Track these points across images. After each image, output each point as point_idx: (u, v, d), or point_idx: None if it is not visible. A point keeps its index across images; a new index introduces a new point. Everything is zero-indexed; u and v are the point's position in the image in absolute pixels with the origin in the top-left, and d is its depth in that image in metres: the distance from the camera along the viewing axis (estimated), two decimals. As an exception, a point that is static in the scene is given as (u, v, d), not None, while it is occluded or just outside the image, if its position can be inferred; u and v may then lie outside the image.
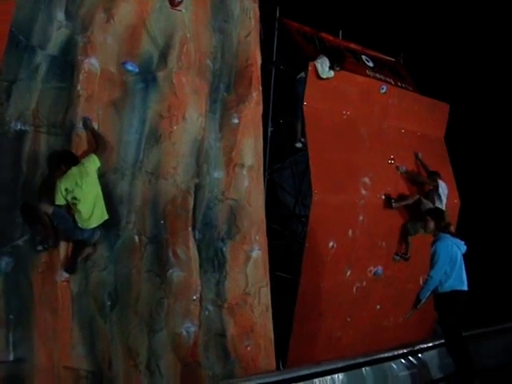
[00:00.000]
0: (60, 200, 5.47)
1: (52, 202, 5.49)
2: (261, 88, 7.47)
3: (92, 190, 5.65)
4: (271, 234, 7.75)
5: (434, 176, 9.36)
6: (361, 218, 8.66)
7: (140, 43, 6.40)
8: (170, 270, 6.46)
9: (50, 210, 5.48)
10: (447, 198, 9.27)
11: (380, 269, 9.05)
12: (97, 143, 5.84)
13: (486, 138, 12.90)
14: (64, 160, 5.57)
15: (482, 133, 12.79)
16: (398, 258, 9.17)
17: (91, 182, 5.61)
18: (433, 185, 9.28)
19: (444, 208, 8.87)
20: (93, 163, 5.68)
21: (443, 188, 9.23)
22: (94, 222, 5.71)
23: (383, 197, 8.95)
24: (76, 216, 5.61)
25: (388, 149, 9.34)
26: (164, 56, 6.59)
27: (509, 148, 12.90)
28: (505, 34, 12.36)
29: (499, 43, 12.66)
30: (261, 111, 7.49)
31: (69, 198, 5.51)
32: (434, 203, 8.94)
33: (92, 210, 5.65)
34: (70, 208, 5.60)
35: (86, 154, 5.78)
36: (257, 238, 7.25)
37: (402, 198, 9.10)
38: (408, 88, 10.60)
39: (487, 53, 12.83)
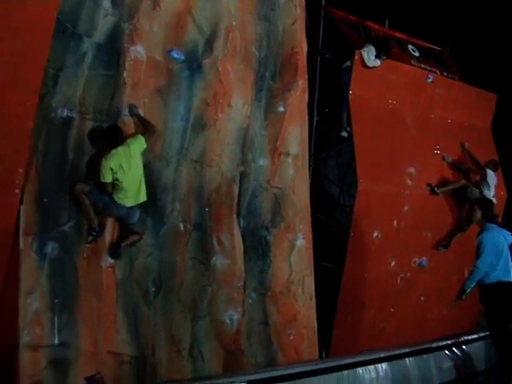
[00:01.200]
0: (107, 177, 5.27)
1: (96, 181, 5.30)
2: (306, 76, 7.27)
3: (135, 173, 5.46)
4: (316, 223, 7.55)
5: (487, 164, 8.95)
6: (406, 208, 8.33)
7: (186, 31, 6.20)
8: (214, 258, 6.28)
9: (86, 188, 5.31)
10: (495, 188, 8.83)
11: (425, 260, 8.69)
12: (144, 127, 5.65)
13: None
14: (111, 136, 5.37)
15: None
16: (442, 249, 8.72)
17: (134, 165, 5.42)
18: (480, 173, 8.85)
19: (492, 198, 8.42)
20: (138, 144, 5.48)
21: (492, 177, 8.82)
22: (132, 201, 5.48)
23: (428, 188, 8.58)
24: (114, 193, 5.40)
25: (434, 139, 8.96)
26: (210, 44, 6.40)
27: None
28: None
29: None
30: (306, 100, 7.32)
31: (112, 178, 5.32)
32: (481, 192, 8.56)
33: (132, 191, 5.45)
34: (105, 186, 5.37)
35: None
36: (301, 227, 7.06)
37: (446, 183, 8.75)
38: (454, 78, 10.24)
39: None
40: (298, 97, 7.06)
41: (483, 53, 12.13)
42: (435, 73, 9.63)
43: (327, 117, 8.51)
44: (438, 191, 8.57)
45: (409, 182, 8.36)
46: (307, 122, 7.24)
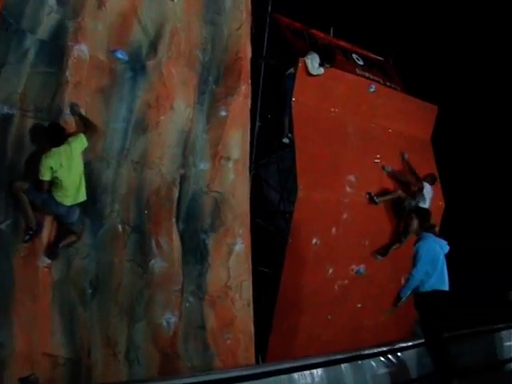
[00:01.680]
0: (46, 175, 5.50)
1: (35, 178, 5.51)
2: (250, 82, 7.54)
3: (75, 172, 5.68)
4: (255, 228, 7.84)
5: (425, 178, 9.53)
6: (345, 216, 8.81)
7: (130, 31, 6.44)
8: (152, 261, 6.53)
9: (25, 186, 5.50)
10: (431, 201, 9.42)
11: (362, 267, 9.22)
12: (86, 127, 5.87)
13: (473, 141, 13.15)
14: (52, 134, 5.59)
15: (469, 136, 13.03)
16: (379, 257, 9.36)
17: (75, 164, 5.65)
18: (418, 186, 9.46)
19: (427, 206, 9.05)
20: (79, 143, 5.71)
21: (428, 191, 9.38)
22: (71, 200, 5.72)
23: (367, 196, 9.11)
24: (53, 192, 5.63)
25: (374, 148, 9.51)
26: (154, 45, 6.64)
27: (495, 152, 13.17)
28: (494, 37, 12.60)
29: (489, 47, 12.90)
30: (249, 105, 7.55)
31: (51, 176, 5.55)
32: (417, 204, 9.11)
33: (72, 190, 5.69)
34: (43, 184, 5.59)
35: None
36: (240, 231, 7.33)
37: (384, 193, 9.30)
38: (396, 88, 10.78)
39: (476, 56, 13.06)
40: (241, 102, 7.35)
41: (426, 65, 12.75)
42: (378, 82, 10.15)
43: (269, 123, 8.89)
44: (376, 200, 9.07)
45: (348, 189, 8.86)
46: (249, 127, 7.53)
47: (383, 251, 9.41)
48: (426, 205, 9.21)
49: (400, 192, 9.36)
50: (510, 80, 12.72)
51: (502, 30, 12.64)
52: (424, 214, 7.02)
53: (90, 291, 6.07)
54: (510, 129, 13.00)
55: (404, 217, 9.13)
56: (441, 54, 13.17)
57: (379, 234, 9.45)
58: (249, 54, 7.58)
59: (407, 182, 9.63)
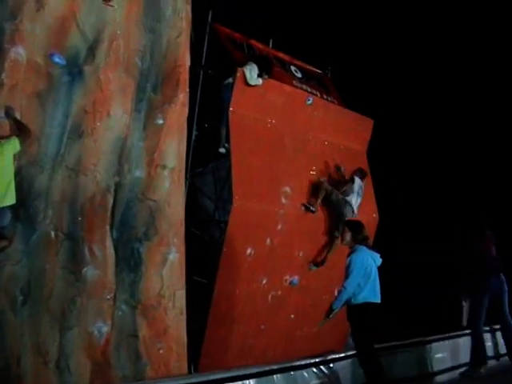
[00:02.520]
0: None
1: None
2: (188, 90, 7.73)
3: (5, 173, 5.73)
4: (190, 237, 8.03)
5: (355, 172, 10.01)
6: (279, 226, 9.13)
7: (69, 36, 6.57)
8: (85, 268, 6.61)
9: None
10: (363, 195, 9.89)
11: (296, 278, 9.55)
12: (20, 131, 5.94)
13: (407, 154, 13.89)
14: None
15: (403, 149, 13.76)
16: (313, 267, 9.79)
17: (5, 166, 5.71)
18: (348, 182, 9.90)
19: (355, 206, 9.61)
20: (12, 145, 5.77)
21: (358, 185, 9.81)
22: None
23: (302, 207, 9.49)
24: None
25: (310, 160, 9.90)
26: (92, 51, 6.75)
27: (429, 166, 13.94)
28: (428, 53, 13.38)
29: (424, 63, 13.68)
30: (186, 114, 7.73)
31: None
32: (345, 196, 9.58)
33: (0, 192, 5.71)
34: None
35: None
36: (175, 240, 7.47)
37: (314, 195, 9.61)
38: (333, 101, 11.22)
39: (413, 72, 13.82)
40: (178, 110, 7.54)
41: (362, 79, 13.36)
42: (315, 95, 10.57)
43: (206, 132, 9.18)
44: (313, 209, 9.44)
45: (284, 200, 9.18)
46: (186, 136, 7.72)
47: (318, 261, 9.77)
48: (356, 199, 9.67)
49: (326, 185, 9.62)
50: (443, 96, 13.55)
51: (435, 46, 13.45)
52: (356, 227, 7.19)
53: (21, 298, 6.13)
54: (444, 144, 13.79)
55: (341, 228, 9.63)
56: (377, 69, 13.76)
57: (313, 245, 9.80)
58: (187, 62, 7.77)
59: (338, 181, 10.12)
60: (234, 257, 8.56)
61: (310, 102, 9.99)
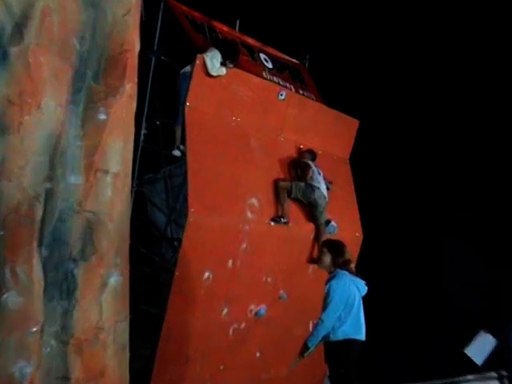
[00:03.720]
0: None
1: None
2: (137, 80, 7.56)
3: None
4: (136, 258, 7.96)
5: (303, 155, 10.34)
6: (244, 246, 9.13)
7: None
8: (6, 294, 6.40)
9: None
10: (325, 179, 10.25)
11: (263, 308, 9.56)
12: None
13: (396, 161, 13.95)
14: None
15: (392, 156, 13.84)
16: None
17: None
18: (303, 170, 10.13)
19: (324, 192, 9.96)
20: None
21: (317, 170, 10.14)
22: None
23: (272, 223, 9.51)
24: None
25: (283, 166, 9.99)
26: (20, 28, 6.52)
27: (420, 175, 14.04)
28: (419, 47, 13.55)
29: (415, 56, 13.83)
30: (134, 108, 7.56)
31: None
32: (309, 187, 9.92)
33: None
34: None
35: None
36: (117, 261, 7.33)
37: (277, 202, 9.77)
38: (311, 97, 11.33)
39: (403, 64, 13.91)
40: (125, 104, 7.37)
41: (346, 70, 13.47)
42: (289, 89, 10.67)
43: (158, 131, 9.17)
44: (284, 220, 9.57)
45: (249, 215, 9.19)
46: (133, 135, 7.56)
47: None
48: (321, 185, 10.05)
49: (281, 184, 9.85)
50: (438, 93, 13.68)
51: (426, 40, 13.63)
52: (337, 248, 7.19)
53: None
54: (442, 148, 13.91)
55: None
56: (364, 59, 13.83)
57: (285, 269, 9.83)
58: (137, 46, 7.60)
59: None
60: (188, 281, 8.49)
61: (282, 96, 10.05)
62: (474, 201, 12.91)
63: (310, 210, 10.09)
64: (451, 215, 13.30)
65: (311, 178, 9.99)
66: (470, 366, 10.29)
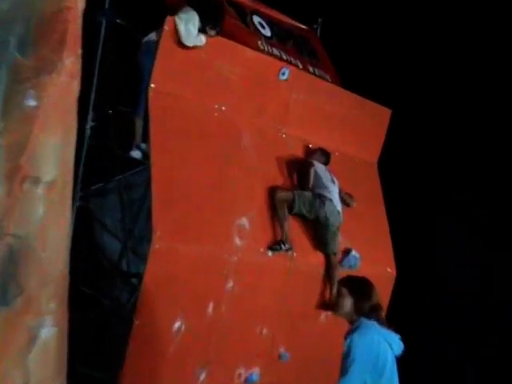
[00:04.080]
0: None
1: None
2: (81, 52, 7.51)
3: None
4: (78, 300, 7.80)
5: (313, 154, 10.47)
6: (230, 284, 9.05)
7: None
8: None
9: None
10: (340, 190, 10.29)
11: (255, 373, 9.50)
12: None
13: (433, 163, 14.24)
14: None
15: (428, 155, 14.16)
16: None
17: None
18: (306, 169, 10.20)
19: (338, 203, 10.05)
20: None
21: (324, 171, 10.22)
22: None
23: (269, 252, 9.47)
24: None
25: (284, 172, 10.05)
26: None
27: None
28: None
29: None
30: (77, 91, 7.51)
31: None
32: (315, 193, 9.96)
33: None
34: None
35: None
36: (52, 306, 7.28)
37: (276, 221, 9.75)
38: (325, 77, 11.36)
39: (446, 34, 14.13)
40: (63, 85, 7.19)
41: (372, 39, 13.56)
42: (295, 66, 10.65)
43: (110, 123, 9.15)
44: (285, 247, 9.53)
45: (238, 241, 9.12)
46: (76, 130, 7.46)
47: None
48: (331, 189, 10.12)
49: (279, 194, 9.80)
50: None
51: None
52: (361, 288, 6.95)
53: None
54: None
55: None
56: (396, 22, 13.98)
57: (287, 316, 9.78)
58: (81, 4, 7.68)
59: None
60: (152, 334, 8.43)
61: (284, 76, 10.06)
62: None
63: (318, 230, 10.12)
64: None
65: (318, 184, 10.06)
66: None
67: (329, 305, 9.97)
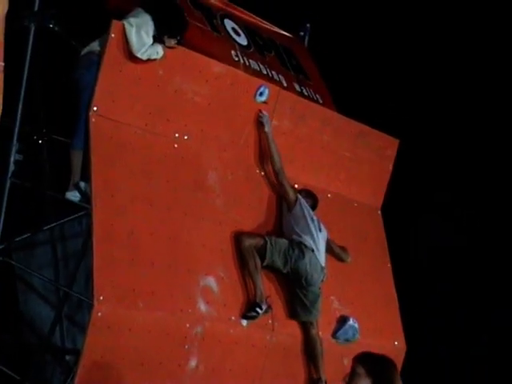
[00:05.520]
0: None
1: None
2: (3, 65, 7.52)
3: None
4: None
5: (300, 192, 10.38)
6: (193, 363, 9.02)
7: None
8: None
9: None
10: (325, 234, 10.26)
11: None
12: None
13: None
14: None
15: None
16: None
17: None
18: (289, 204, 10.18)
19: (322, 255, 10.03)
20: None
21: (307, 211, 10.17)
22: None
23: (243, 321, 9.41)
24: None
25: (259, 217, 10.11)
26: None
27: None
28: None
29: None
30: None
31: None
32: (297, 236, 9.97)
33: None
34: None
35: None
36: None
37: (246, 274, 9.75)
38: (315, 98, 11.48)
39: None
40: None
41: (368, 50, 13.91)
42: (276, 82, 10.76)
43: (40, 156, 9.26)
44: (263, 310, 9.43)
45: (203, 307, 9.07)
46: None
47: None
48: (316, 234, 10.06)
49: (251, 240, 9.81)
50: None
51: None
52: (381, 367, 6.89)
53: None
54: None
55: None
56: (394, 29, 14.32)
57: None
58: (2, 6, 7.71)
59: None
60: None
61: (263, 97, 10.11)
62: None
63: (295, 288, 10.02)
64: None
65: (300, 228, 10.04)
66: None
67: None
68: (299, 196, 10.24)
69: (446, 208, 16.21)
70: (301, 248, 9.85)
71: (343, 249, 10.68)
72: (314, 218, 10.21)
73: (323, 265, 10.04)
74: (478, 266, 15.94)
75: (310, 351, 10.11)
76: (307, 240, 9.93)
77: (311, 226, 10.08)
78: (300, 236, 9.96)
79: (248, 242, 9.66)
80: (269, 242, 9.74)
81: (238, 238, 9.72)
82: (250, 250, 9.63)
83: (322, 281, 10.04)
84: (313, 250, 9.91)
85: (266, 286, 9.79)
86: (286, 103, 10.47)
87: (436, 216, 16.29)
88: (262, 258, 9.71)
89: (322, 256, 10.07)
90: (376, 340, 10.27)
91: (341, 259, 10.58)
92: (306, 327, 10.11)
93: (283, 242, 9.88)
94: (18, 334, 9.45)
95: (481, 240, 16.02)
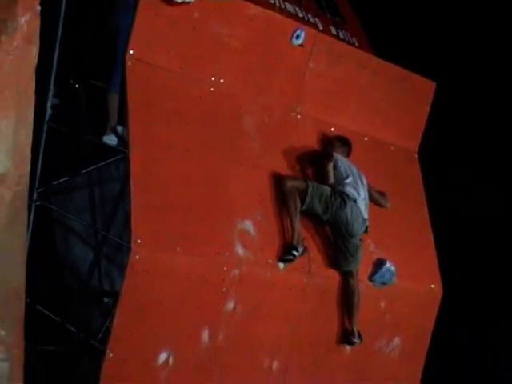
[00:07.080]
0: None
1: None
2: (39, 9, 7.60)
3: None
4: (37, 327, 8.02)
5: (332, 144, 10.47)
6: (231, 305, 9.12)
7: None
8: None
9: None
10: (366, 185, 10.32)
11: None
12: None
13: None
14: None
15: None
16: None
17: None
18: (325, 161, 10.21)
19: (362, 200, 10.10)
20: None
21: (346, 164, 10.26)
22: None
23: (280, 264, 9.49)
24: None
25: (294, 165, 10.09)
26: None
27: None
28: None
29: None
30: (35, 59, 7.65)
31: None
32: (339, 187, 10.02)
33: None
34: None
35: None
36: (2, 333, 7.44)
37: (286, 219, 9.79)
38: (352, 41, 11.48)
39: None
40: (17, 51, 7.44)
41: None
42: (312, 26, 10.75)
43: (77, 100, 9.28)
44: (297, 252, 9.48)
45: (240, 250, 9.17)
46: (33, 109, 7.65)
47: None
48: (357, 187, 10.13)
49: (289, 185, 9.79)
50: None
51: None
52: None
53: None
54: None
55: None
56: None
57: (303, 346, 9.88)
58: None
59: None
60: (130, 370, 8.46)
61: (299, 40, 10.06)
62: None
63: (336, 238, 10.12)
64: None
65: (340, 181, 10.06)
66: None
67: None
68: (334, 155, 10.22)
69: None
70: (343, 197, 9.91)
71: (382, 194, 10.71)
72: (353, 169, 10.26)
73: (365, 216, 10.09)
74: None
75: (347, 301, 10.20)
76: (350, 191, 9.99)
77: (351, 178, 10.11)
78: (343, 186, 9.99)
79: (290, 183, 9.71)
80: (311, 186, 9.78)
81: (280, 179, 9.76)
82: (293, 192, 9.68)
83: (366, 232, 10.12)
84: (355, 201, 9.97)
85: (303, 230, 9.82)
86: (323, 46, 10.43)
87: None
88: (302, 202, 9.73)
89: (364, 207, 10.10)
90: (412, 283, 10.33)
91: (380, 205, 10.63)
92: (345, 276, 10.17)
93: (326, 188, 9.92)
94: (57, 276, 9.52)
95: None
